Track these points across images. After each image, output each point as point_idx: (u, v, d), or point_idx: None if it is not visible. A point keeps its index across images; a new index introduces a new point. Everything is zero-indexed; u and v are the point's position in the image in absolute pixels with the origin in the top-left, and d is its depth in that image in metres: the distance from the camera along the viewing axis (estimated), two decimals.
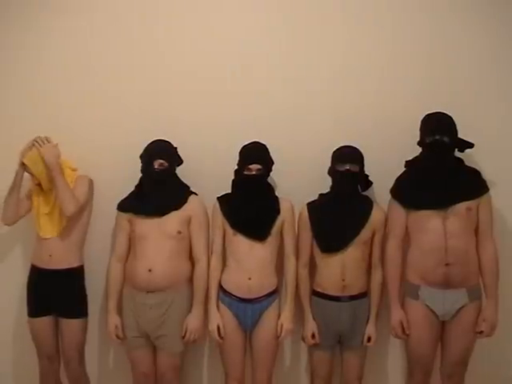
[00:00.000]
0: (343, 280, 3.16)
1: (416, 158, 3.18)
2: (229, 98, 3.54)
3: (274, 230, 3.25)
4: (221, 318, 3.23)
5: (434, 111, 3.16)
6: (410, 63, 3.46)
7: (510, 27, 3.41)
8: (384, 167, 3.30)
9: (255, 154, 3.27)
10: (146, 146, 3.31)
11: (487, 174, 3.21)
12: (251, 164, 3.24)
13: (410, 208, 3.13)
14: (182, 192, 3.34)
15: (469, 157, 3.24)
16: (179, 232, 3.25)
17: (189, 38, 3.56)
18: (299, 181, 3.44)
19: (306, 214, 3.27)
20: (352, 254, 3.17)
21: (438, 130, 3.08)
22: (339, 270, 3.16)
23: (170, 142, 3.35)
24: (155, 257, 3.21)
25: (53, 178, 3.32)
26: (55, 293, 3.35)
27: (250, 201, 3.25)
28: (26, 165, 3.35)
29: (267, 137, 3.35)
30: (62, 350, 3.42)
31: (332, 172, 3.25)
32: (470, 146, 3.15)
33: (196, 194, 3.36)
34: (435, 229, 3.06)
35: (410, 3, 3.48)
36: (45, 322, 3.39)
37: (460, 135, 3.12)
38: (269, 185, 3.34)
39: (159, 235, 3.22)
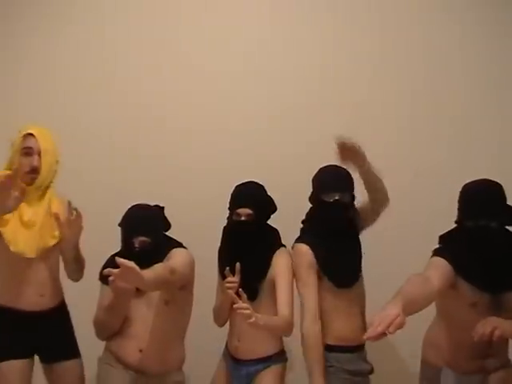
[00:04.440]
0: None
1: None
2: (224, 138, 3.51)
3: (265, 288, 2.78)
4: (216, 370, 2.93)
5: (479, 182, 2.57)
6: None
7: None
8: None
9: (245, 196, 2.81)
10: (125, 213, 2.79)
11: None
12: (239, 208, 2.78)
13: None
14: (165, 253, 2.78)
15: None
16: (166, 302, 2.76)
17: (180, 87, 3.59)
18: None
19: (308, 252, 2.74)
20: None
21: (485, 214, 2.51)
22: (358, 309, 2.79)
23: (153, 208, 2.83)
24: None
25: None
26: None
27: (238, 253, 2.76)
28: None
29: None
30: None
31: (316, 201, 2.79)
32: None
33: (184, 247, 2.83)
34: None
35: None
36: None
37: None
38: (264, 233, 2.83)
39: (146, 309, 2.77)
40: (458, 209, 2.62)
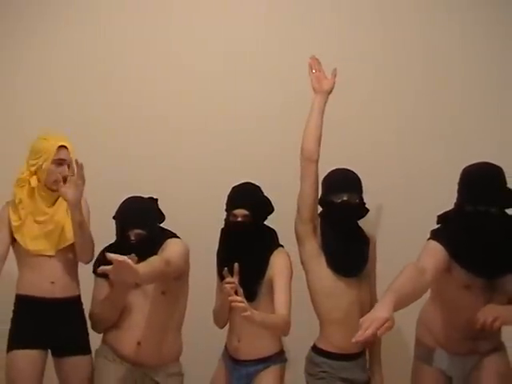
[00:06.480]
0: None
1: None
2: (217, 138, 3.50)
3: (263, 288, 2.78)
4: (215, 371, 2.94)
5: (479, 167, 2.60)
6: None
7: None
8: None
9: (242, 197, 2.83)
10: (119, 206, 2.86)
11: None
12: (236, 209, 2.81)
13: None
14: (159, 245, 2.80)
15: None
16: (163, 293, 2.80)
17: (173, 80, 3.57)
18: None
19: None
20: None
21: (484, 199, 2.51)
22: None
23: (147, 201, 2.89)
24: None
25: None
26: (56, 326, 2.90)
27: (236, 254, 2.75)
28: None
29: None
30: None
31: (324, 202, 2.79)
32: None
33: (177, 237, 2.87)
34: None
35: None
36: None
37: None
38: (261, 233, 2.85)
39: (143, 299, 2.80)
40: (458, 191, 2.62)
